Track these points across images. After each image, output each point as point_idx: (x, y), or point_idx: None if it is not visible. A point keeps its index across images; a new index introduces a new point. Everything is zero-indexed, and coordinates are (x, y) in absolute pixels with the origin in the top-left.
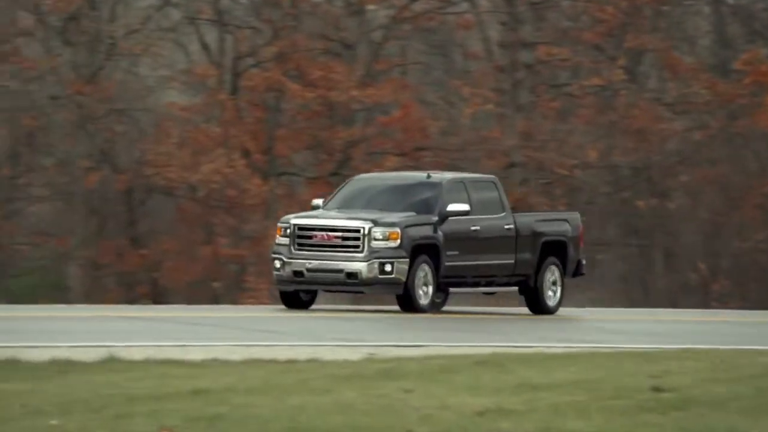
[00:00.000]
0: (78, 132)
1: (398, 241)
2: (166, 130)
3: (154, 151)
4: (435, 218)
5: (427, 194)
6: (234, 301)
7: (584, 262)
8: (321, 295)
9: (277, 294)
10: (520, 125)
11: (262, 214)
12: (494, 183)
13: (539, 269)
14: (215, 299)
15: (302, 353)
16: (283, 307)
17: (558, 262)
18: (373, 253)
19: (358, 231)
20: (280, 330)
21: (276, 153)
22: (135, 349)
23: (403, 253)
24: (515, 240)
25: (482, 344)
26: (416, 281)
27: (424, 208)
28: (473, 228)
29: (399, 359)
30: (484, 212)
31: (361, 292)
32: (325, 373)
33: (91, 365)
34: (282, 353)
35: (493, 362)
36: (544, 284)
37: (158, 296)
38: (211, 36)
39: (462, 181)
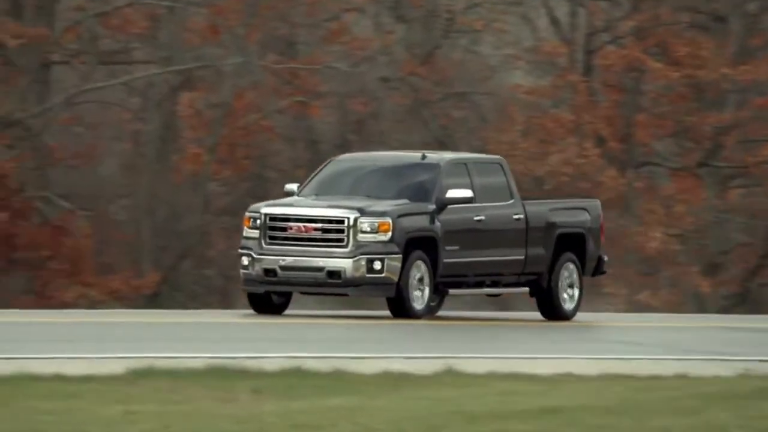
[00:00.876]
0: (412, 118)
1: (389, 233)
2: (510, 115)
3: (496, 140)
4: (432, 206)
5: (422, 178)
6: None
7: (606, 258)
8: (296, 298)
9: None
10: None
11: (619, 210)
12: (501, 165)
13: (553, 267)
14: None
15: (667, 368)
16: (641, 315)
17: (575, 259)
18: (360, 248)
19: (341, 222)
20: (641, 341)
21: (635, 141)
22: (477, 361)
23: (395, 248)
24: (526, 232)
25: None
26: (410, 281)
27: (419, 194)
28: (477, 218)
29: None
30: (489, 199)
31: (345, 295)
32: (694, 391)
33: (427, 379)
34: (644, 368)
35: None
36: (559, 284)
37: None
38: (561, 9)
39: (463, 162)
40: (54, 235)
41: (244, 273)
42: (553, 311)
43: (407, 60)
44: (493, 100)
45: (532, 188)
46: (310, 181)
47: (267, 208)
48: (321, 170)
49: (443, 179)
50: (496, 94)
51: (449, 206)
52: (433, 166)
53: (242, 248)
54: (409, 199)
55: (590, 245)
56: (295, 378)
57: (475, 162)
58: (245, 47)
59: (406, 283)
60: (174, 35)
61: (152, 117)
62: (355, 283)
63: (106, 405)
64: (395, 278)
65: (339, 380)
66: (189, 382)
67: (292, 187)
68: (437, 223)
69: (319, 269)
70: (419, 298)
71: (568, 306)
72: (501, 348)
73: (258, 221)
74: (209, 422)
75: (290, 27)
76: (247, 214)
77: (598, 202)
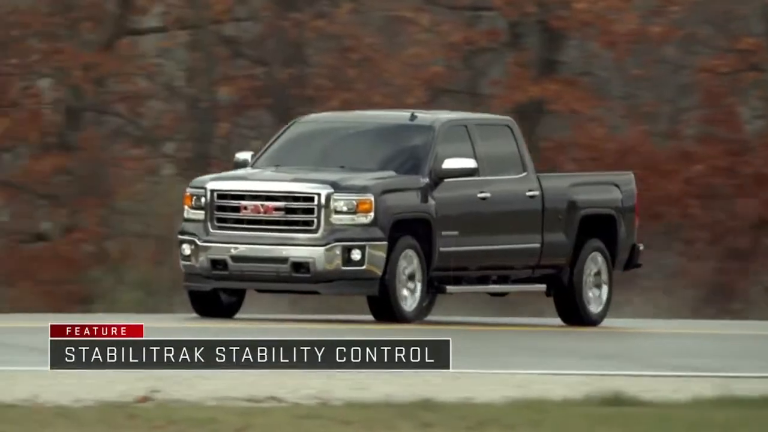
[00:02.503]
0: None
1: (371, 214)
2: None
3: None
4: (425, 180)
5: (412, 144)
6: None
7: (641, 247)
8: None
9: None
10: None
11: None
12: (510, 128)
13: (577, 258)
14: None
15: None
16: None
17: (604, 248)
18: (334, 233)
19: (310, 199)
20: None
21: None
22: None
23: (379, 234)
24: (542, 214)
25: None
26: (398, 275)
27: (409, 164)
28: (481, 195)
29: None
30: (496, 171)
31: (315, 293)
32: None
33: None
34: None
35: None
36: (583, 281)
37: None
38: None
39: (464, 124)
40: None
41: (185, 265)
42: (575, 314)
43: None
44: None
45: None
46: (267, 147)
47: (214, 183)
48: (282, 134)
49: (439, 145)
50: None
51: (446, 180)
52: (426, 129)
53: (183, 234)
54: (396, 171)
55: (622, 231)
56: None
57: (479, 124)
58: None
59: (393, 278)
60: None
61: None
62: (327, 277)
63: None
64: (379, 271)
65: None
66: None
67: (245, 155)
68: (431, 202)
69: (282, 260)
70: (409, 296)
71: (595, 308)
72: None
73: (203, 199)
74: None
75: None
76: (189, 190)
77: (631, 176)
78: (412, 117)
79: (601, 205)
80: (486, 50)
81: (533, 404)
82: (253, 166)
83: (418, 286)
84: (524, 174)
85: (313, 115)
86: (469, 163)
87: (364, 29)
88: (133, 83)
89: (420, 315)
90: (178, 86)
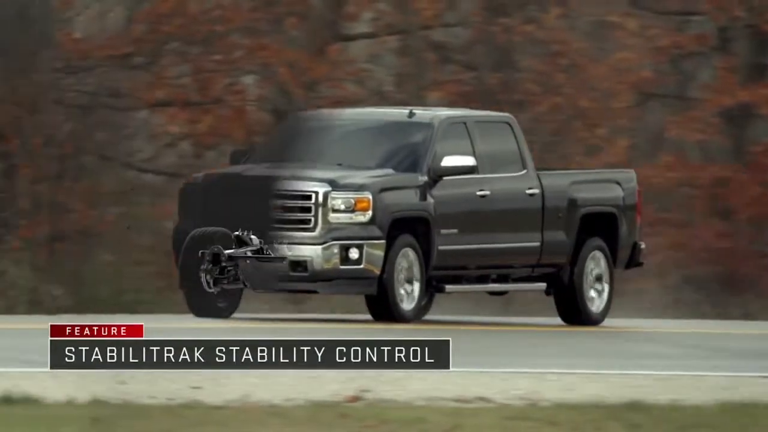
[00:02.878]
0: None
1: (368, 212)
2: None
3: None
4: (423, 178)
5: (410, 141)
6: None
7: (643, 245)
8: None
9: None
10: None
11: None
12: (510, 125)
13: (577, 256)
14: None
15: None
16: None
17: (605, 246)
18: (331, 232)
19: (307, 197)
20: None
21: None
22: None
23: (377, 232)
24: (542, 212)
25: None
26: (396, 274)
27: (407, 162)
28: (480, 193)
29: None
30: (496, 169)
31: (313, 292)
32: None
33: None
34: None
35: None
36: (584, 280)
37: None
38: None
39: (463, 121)
40: None
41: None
42: (576, 313)
43: None
44: None
45: None
46: (263, 145)
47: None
48: (277, 132)
49: (438, 143)
50: None
51: (445, 178)
52: (425, 126)
53: (177, 232)
54: (394, 169)
55: (623, 229)
56: None
57: (478, 121)
58: None
59: (391, 277)
60: None
61: None
62: (325, 276)
63: None
64: (377, 270)
65: None
66: None
67: (241, 152)
68: (430, 200)
69: (279, 259)
70: (407, 295)
71: (595, 308)
72: None
73: None
74: None
75: None
76: (184, 186)
77: (633, 174)
78: (411, 114)
79: (602, 203)
80: (694, 54)
81: (742, 408)
82: (248, 162)
83: (417, 285)
84: (524, 172)
85: (308, 112)
86: (469, 160)
87: (573, 34)
88: (343, 88)
89: (418, 314)
90: (387, 91)
